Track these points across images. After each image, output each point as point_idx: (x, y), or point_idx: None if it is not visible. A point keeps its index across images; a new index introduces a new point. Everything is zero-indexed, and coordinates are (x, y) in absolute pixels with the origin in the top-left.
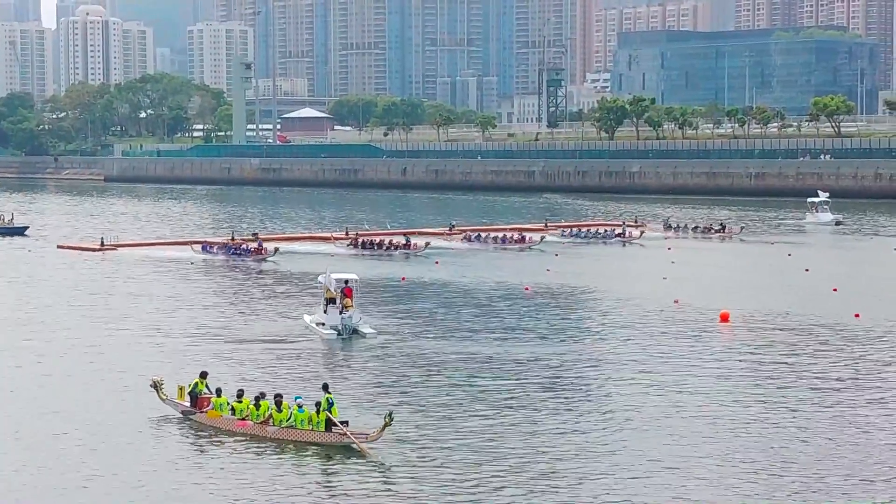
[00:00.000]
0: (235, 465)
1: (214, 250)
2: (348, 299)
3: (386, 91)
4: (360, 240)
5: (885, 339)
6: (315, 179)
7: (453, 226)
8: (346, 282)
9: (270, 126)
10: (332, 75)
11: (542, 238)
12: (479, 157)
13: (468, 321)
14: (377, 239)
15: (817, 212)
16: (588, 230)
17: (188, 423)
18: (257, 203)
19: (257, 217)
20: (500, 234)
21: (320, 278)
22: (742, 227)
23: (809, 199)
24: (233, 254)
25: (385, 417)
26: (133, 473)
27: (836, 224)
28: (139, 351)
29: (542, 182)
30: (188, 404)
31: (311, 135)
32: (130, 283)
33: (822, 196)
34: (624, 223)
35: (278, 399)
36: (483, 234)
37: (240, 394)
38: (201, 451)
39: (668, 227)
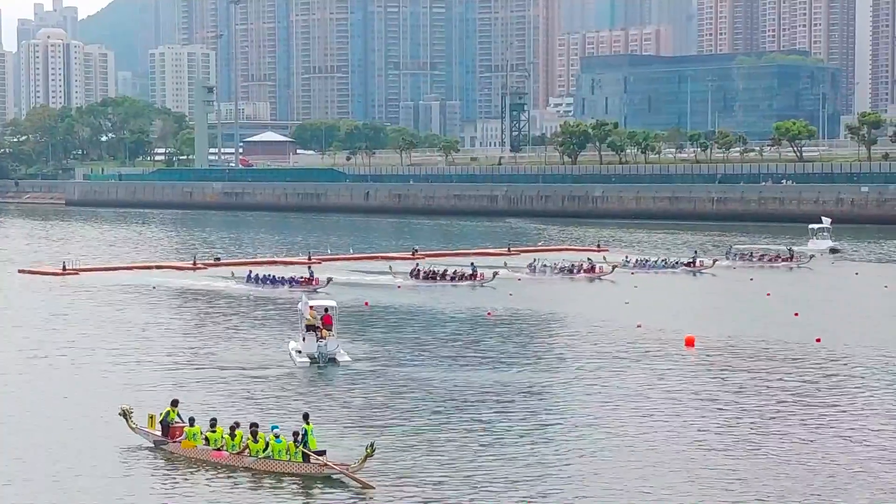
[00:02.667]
0: (212, 497)
1: (258, 281)
2: (325, 328)
3: (349, 115)
4: (421, 270)
5: (843, 362)
6: (277, 203)
7: (416, 250)
8: (326, 309)
9: (232, 150)
10: (294, 99)
11: (614, 268)
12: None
13: (443, 347)
14: (440, 269)
15: (816, 238)
16: (657, 260)
17: (160, 452)
18: (220, 228)
19: (221, 241)
20: (569, 265)
21: (299, 305)
22: (812, 256)
23: (811, 226)
24: (279, 284)
25: (367, 448)
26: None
27: (830, 251)
28: (106, 378)
29: (505, 206)
30: (159, 433)
31: (274, 159)
32: (95, 308)
33: (826, 222)
34: (696, 252)
35: (254, 429)
36: (549, 264)
37: (213, 423)
38: (175, 482)
39: (734, 255)
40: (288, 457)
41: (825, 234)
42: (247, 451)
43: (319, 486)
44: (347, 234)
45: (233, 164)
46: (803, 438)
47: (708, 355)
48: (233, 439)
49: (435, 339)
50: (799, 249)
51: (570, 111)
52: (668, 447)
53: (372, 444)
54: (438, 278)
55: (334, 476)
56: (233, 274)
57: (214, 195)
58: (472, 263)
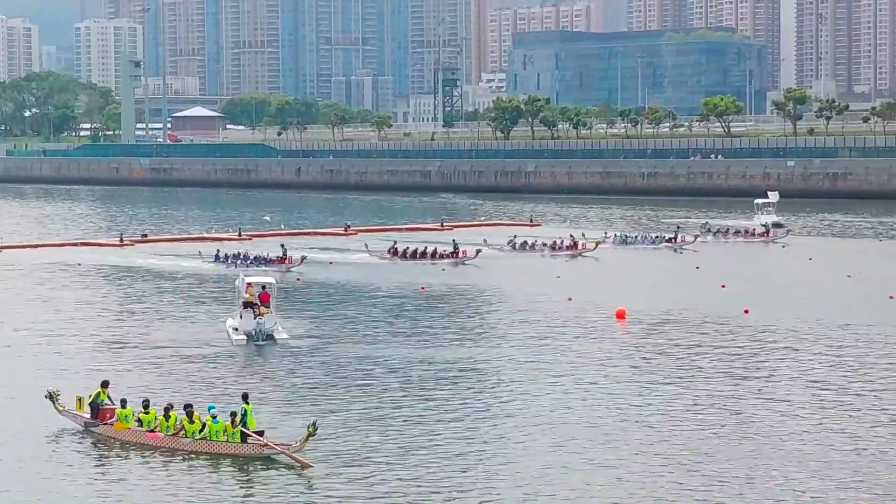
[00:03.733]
0: (147, 479)
1: (228, 260)
2: (263, 305)
3: (279, 90)
4: (399, 249)
5: (772, 333)
6: (207, 179)
7: (349, 226)
8: (264, 286)
9: (160, 125)
10: (224, 74)
11: (597, 245)
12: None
13: (379, 323)
14: (420, 247)
15: (761, 213)
16: (637, 236)
17: (90, 436)
18: (148, 204)
19: (149, 218)
20: (551, 242)
21: (236, 282)
22: (788, 231)
23: (756, 200)
24: (251, 264)
25: (309, 427)
26: (32, 491)
27: (774, 226)
28: (32, 359)
29: (439, 182)
30: (89, 416)
31: (203, 134)
32: (18, 286)
33: (772, 197)
34: (678, 228)
35: (189, 409)
36: (530, 242)
37: (146, 404)
38: (107, 465)
39: (707, 231)
40: (226, 437)
41: (770, 208)
42: (182, 432)
43: (259, 466)
44: (279, 210)
45: (161, 140)
46: (730, 409)
47: (638, 328)
48: (167, 420)
49: (371, 315)
50: (745, 224)
51: (502, 87)
52: (592, 419)
53: (314, 423)
54: (419, 256)
55: (274, 456)
56: (200, 253)
57: (142, 171)
58: (453, 241)
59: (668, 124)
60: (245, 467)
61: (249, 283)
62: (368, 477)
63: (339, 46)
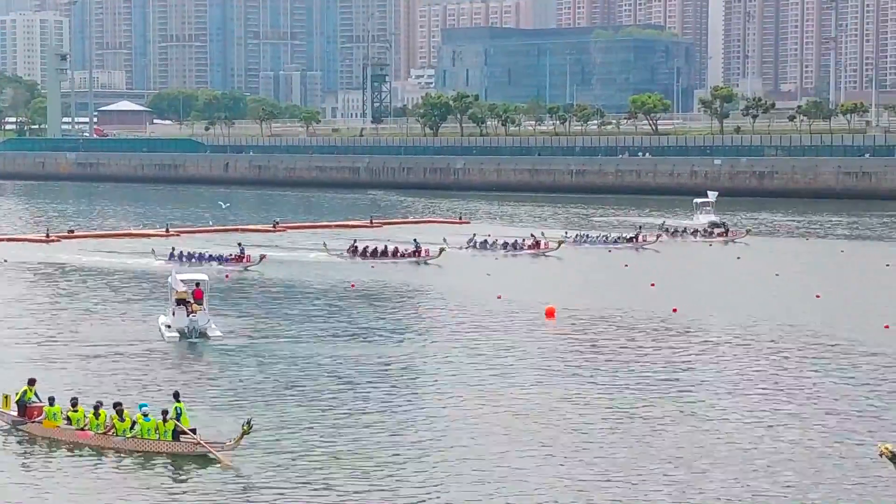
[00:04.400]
0: (77, 478)
1: (183, 258)
2: (196, 302)
3: (207, 84)
4: (358, 248)
5: (699, 331)
6: (134, 174)
7: (277, 223)
8: (197, 283)
9: (87, 119)
10: (151, 68)
11: (560, 244)
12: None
13: (312, 321)
14: (381, 246)
15: (700, 212)
16: (598, 236)
17: (18, 434)
18: (74, 199)
19: (76, 213)
20: (512, 241)
21: (168, 279)
22: (748, 231)
23: (695, 200)
24: (207, 261)
25: (243, 425)
26: None
27: (711, 226)
28: None
29: (368, 178)
30: (16, 414)
31: (130, 128)
32: None
33: (712, 196)
34: (640, 228)
35: (119, 408)
36: (490, 241)
37: (74, 402)
38: (36, 464)
39: (665, 231)
40: (157, 436)
41: (709, 208)
42: (113, 430)
43: (192, 465)
44: (207, 206)
45: (87, 134)
46: (657, 406)
47: (567, 326)
48: (97, 418)
49: (304, 312)
50: (685, 223)
51: (431, 83)
52: (518, 417)
53: (248, 422)
54: (379, 255)
55: (210, 456)
56: (153, 251)
57: (68, 166)
58: (414, 239)
59: (596, 122)
60: (178, 466)
61: (182, 280)
62: (303, 475)
63: (267, 41)
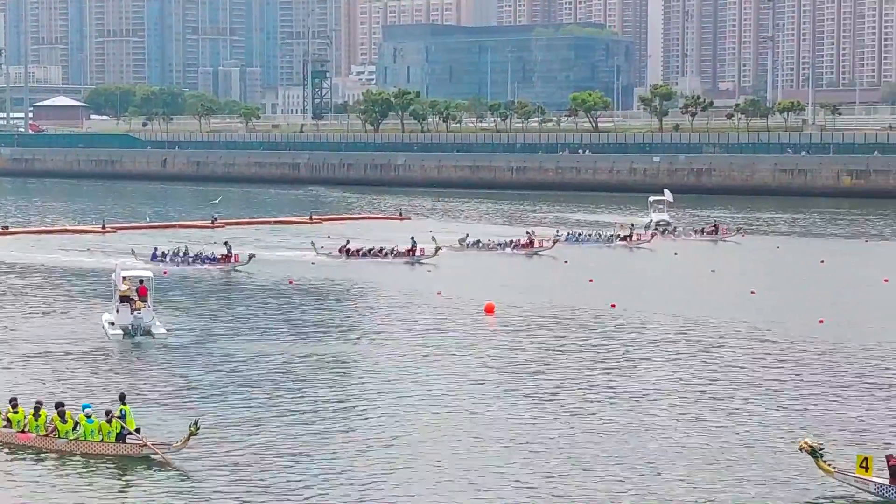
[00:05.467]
0: (19, 482)
1: (167, 258)
2: (141, 299)
3: (145, 80)
4: (350, 248)
5: (637, 326)
6: (70, 170)
7: (215, 219)
8: (141, 280)
9: (22, 115)
10: (88, 63)
11: (555, 243)
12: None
13: (256, 318)
14: (374, 246)
15: (654, 211)
16: (591, 234)
17: None
18: (9, 195)
19: (11, 209)
20: (506, 240)
21: (112, 276)
22: (739, 229)
23: (650, 198)
24: (193, 262)
25: (190, 426)
26: None
27: (659, 225)
28: None
29: (307, 174)
30: None
31: (66, 124)
32: None
33: (666, 195)
34: (632, 226)
35: (61, 409)
36: (483, 240)
37: (13, 403)
38: None
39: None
40: (101, 437)
41: (662, 206)
42: (55, 432)
43: (137, 467)
44: (144, 202)
45: (22, 130)
46: (598, 402)
47: (505, 322)
48: (36, 420)
49: (248, 310)
50: (639, 221)
51: (372, 79)
52: (456, 411)
53: (196, 422)
54: (371, 255)
55: (156, 457)
56: (133, 251)
57: (3, 161)
58: (412, 238)
59: (537, 119)
60: (123, 469)
61: (126, 277)
62: (250, 476)
63: (206, 36)
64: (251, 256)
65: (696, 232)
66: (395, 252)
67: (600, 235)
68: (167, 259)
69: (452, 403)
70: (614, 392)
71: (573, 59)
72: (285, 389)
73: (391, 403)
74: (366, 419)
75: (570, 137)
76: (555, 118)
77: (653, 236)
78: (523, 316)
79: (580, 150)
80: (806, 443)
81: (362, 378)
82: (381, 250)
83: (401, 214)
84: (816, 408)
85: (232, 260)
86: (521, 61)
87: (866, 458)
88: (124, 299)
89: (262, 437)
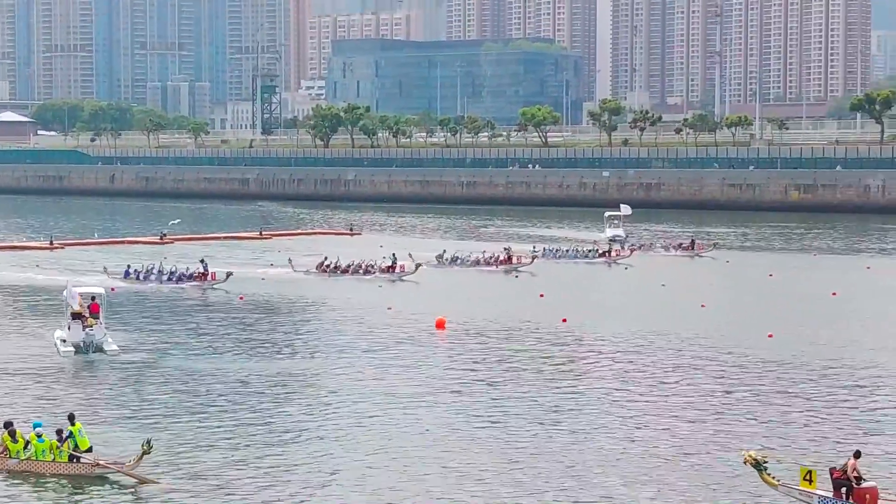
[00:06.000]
0: None
1: (140, 276)
2: (92, 316)
3: (93, 95)
4: (328, 264)
5: (587, 340)
6: (17, 186)
7: (165, 234)
8: (93, 297)
9: None
10: (35, 78)
11: (534, 259)
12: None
13: (209, 335)
14: (352, 262)
15: (610, 226)
16: (568, 250)
17: None
18: None
19: None
20: (485, 257)
21: (64, 293)
22: (715, 244)
23: (606, 213)
24: (167, 280)
25: (143, 445)
26: None
27: (611, 240)
28: None
29: (257, 190)
30: None
31: (13, 140)
32: None
33: (623, 210)
34: (611, 242)
35: (11, 428)
36: (461, 256)
37: None
38: None
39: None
40: (53, 457)
41: (617, 221)
42: (5, 452)
43: (91, 486)
44: (92, 218)
45: None
46: (542, 414)
47: (456, 336)
48: None
49: (200, 326)
50: (595, 237)
51: (322, 94)
52: (407, 426)
53: (148, 441)
54: (351, 271)
55: (107, 475)
56: (105, 269)
57: None
58: (392, 254)
59: (486, 134)
60: (75, 488)
61: (79, 294)
62: (205, 494)
63: (154, 51)
64: (229, 274)
65: (672, 247)
66: (375, 269)
67: (578, 251)
68: (141, 277)
69: (400, 418)
70: (558, 405)
71: (522, 73)
72: (238, 407)
73: (342, 418)
74: (318, 435)
75: (520, 152)
76: (504, 133)
77: (632, 252)
78: (474, 330)
79: (530, 165)
80: (750, 456)
81: (314, 394)
82: (360, 267)
83: (351, 230)
84: (762, 421)
85: (209, 278)
86: (471, 76)
87: (810, 471)
88: (76, 316)
89: (215, 455)
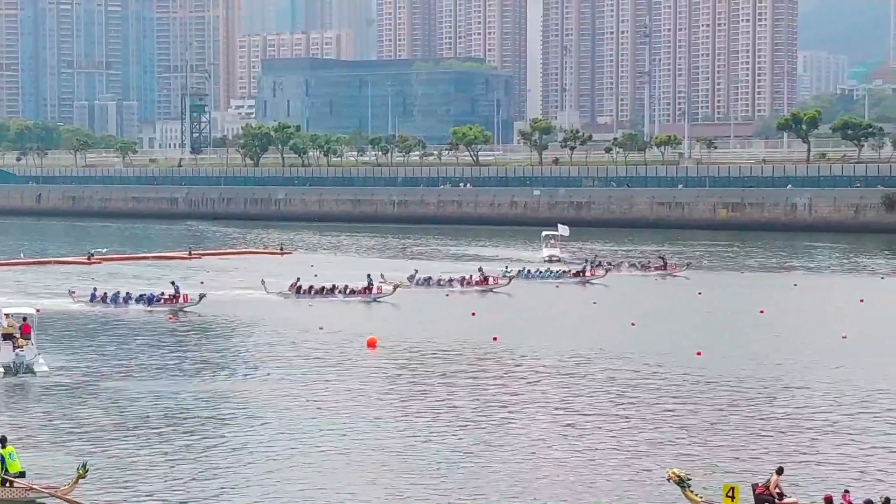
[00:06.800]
0: None
1: (107, 300)
2: (24, 337)
3: (19, 114)
4: (302, 286)
5: (516, 357)
6: None
7: (92, 254)
8: (25, 318)
9: None
10: None
11: (511, 280)
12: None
13: (139, 355)
14: (326, 284)
15: (546, 246)
16: (543, 271)
17: None
18: None
19: None
20: (459, 277)
21: None
22: (688, 264)
23: (543, 232)
24: (136, 302)
25: (79, 469)
26: None
27: (547, 260)
28: None
29: (186, 209)
30: None
31: None
32: None
33: (561, 230)
34: (587, 262)
35: None
36: (433, 276)
37: None
38: None
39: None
40: None
41: (553, 241)
42: None
43: None
44: (19, 238)
45: None
46: (460, 430)
47: (386, 355)
48: None
49: (132, 347)
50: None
51: (251, 113)
52: (336, 443)
53: (84, 465)
54: (325, 293)
55: (41, 500)
56: (70, 292)
57: None
58: (368, 275)
59: (418, 153)
60: None
61: (8, 315)
62: None
63: (81, 70)
64: (202, 296)
65: (642, 267)
66: (350, 290)
67: (552, 271)
68: (108, 300)
69: (330, 435)
70: (483, 422)
71: (453, 93)
72: (173, 428)
73: (274, 437)
74: (251, 454)
75: (452, 171)
76: (436, 152)
77: (607, 272)
78: (404, 349)
79: (461, 184)
80: (674, 473)
81: (246, 414)
82: (333, 288)
83: (282, 249)
84: (687, 437)
85: (180, 300)
86: (402, 95)
87: (733, 488)
88: (6, 337)
89: (151, 478)
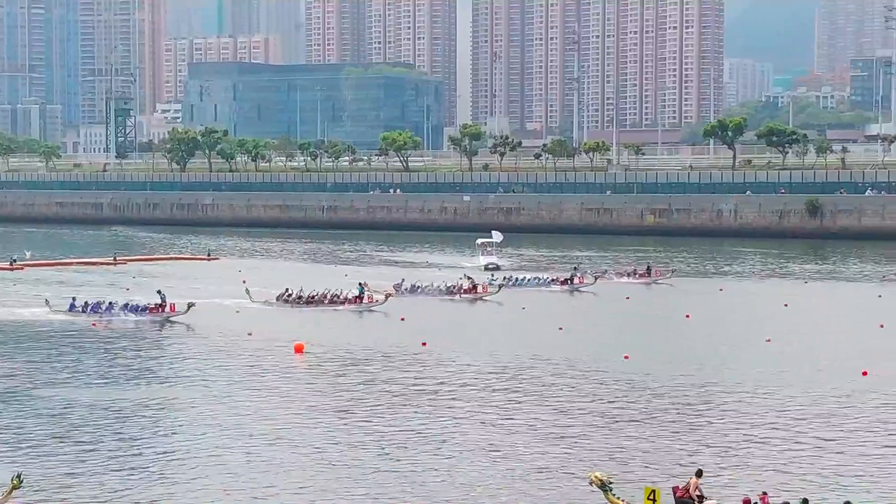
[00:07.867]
0: None
1: (88, 309)
2: None
3: None
4: (291, 294)
5: (445, 362)
6: None
7: (14, 261)
8: None
9: None
10: None
11: (500, 288)
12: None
13: (79, 365)
14: (317, 292)
15: (482, 254)
16: (530, 278)
17: None
18: None
19: None
20: (446, 286)
21: None
22: (673, 271)
23: (478, 240)
24: (119, 312)
25: (13, 479)
26: None
27: (487, 268)
28: None
29: (112, 214)
30: None
31: None
32: None
33: (495, 237)
34: (575, 269)
35: None
36: (420, 285)
37: None
38: None
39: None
40: None
41: (490, 248)
42: None
43: None
44: None
45: None
46: (395, 435)
47: (313, 360)
48: None
49: (68, 356)
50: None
51: (178, 118)
52: (263, 448)
53: (18, 475)
54: (315, 302)
55: None
56: (47, 302)
57: None
58: (359, 283)
59: (347, 158)
60: None
61: None
62: None
63: (4, 73)
64: (190, 305)
65: (627, 275)
66: (341, 300)
67: (539, 279)
68: (89, 310)
69: (260, 440)
70: (407, 427)
71: (383, 98)
72: (107, 436)
73: (207, 441)
74: (185, 460)
75: (381, 177)
76: (365, 157)
77: (596, 279)
78: (331, 354)
79: (391, 190)
80: (596, 476)
81: (180, 419)
82: (324, 297)
83: (209, 255)
84: (611, 440)
85: (167, 309)
86: (331, 100)
87: (654, 491)
88: None
89: (86, 486)
